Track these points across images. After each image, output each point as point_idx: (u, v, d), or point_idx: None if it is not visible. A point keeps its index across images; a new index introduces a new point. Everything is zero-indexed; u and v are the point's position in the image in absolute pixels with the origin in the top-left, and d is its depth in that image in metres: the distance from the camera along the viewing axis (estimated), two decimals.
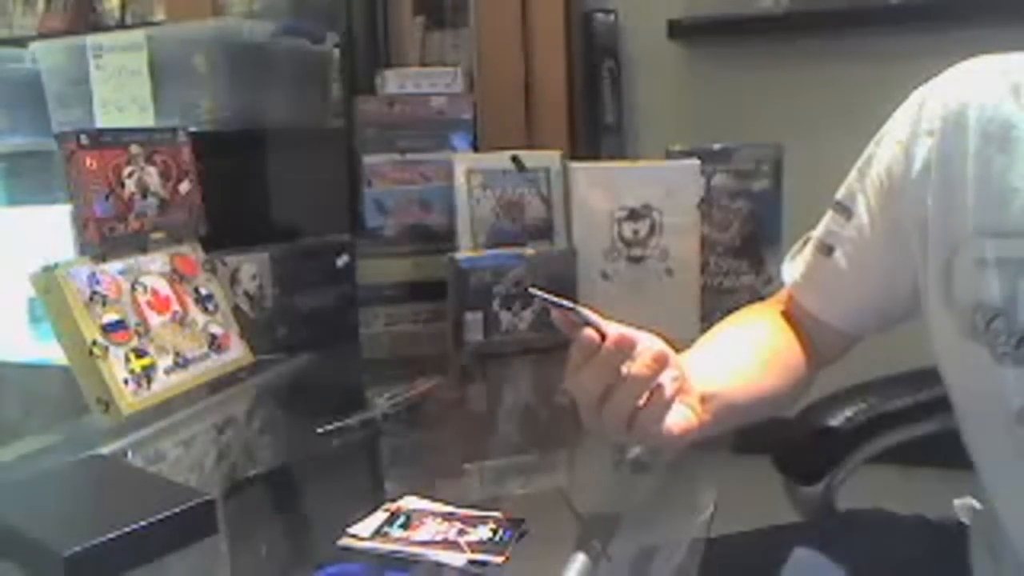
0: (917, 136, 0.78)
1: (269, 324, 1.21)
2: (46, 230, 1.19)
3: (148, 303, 1.02)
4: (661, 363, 0.67)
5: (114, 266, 1.01)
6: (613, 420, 0.68)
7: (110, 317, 0.97)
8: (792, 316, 0.91)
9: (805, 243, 0.91)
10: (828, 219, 0.87)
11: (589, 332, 0.67)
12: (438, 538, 0.67)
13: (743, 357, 0.83)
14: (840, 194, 0.87)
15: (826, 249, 0.86)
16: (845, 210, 0.85)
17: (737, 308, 0.96)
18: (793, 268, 0.91)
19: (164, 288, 1.05)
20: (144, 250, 1.06)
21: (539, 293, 0.69)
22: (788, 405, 0.89)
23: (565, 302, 0.67)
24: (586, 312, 0.67)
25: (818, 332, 0.89)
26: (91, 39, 1.36)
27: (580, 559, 0.64)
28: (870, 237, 0.83)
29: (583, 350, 0.67)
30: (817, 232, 0.89)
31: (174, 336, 1.03)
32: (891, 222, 0.81)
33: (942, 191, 0.76)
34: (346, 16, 1.96)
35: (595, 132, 2.22)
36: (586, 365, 0.67)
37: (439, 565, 0.64)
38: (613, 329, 0.67)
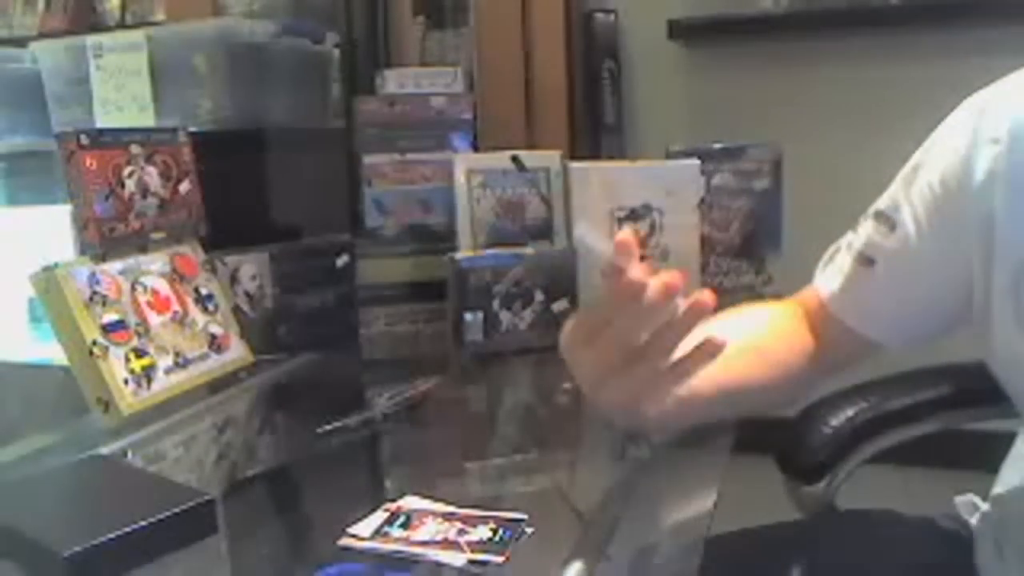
0: (979, 144, 0.74)
1: (269, 324, 1.21)
2: (46, 230, 1.19)
3: (148, 303, 1.02)
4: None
5: (114, 266, 1.01)
6: (636, 383, 0.66)
7: (110, 317, 0.97)
8: (816, 321, 0.88)
9: (837, 251, 0.88)
10: (870, 229, 0.83)
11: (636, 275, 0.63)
12: (438, 538, 0.67)
13: (733, 343, 0.81)
14: (883, 204, 0.83)
15: (867, 261, 0.83)
16: (888, 220, 0.81)
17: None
18: (829, 279, 0.87)
19: (164, 288, 1.05)
20: (144, 250, 1.06)
21: (582, 232, 0.67)
22: (781, 401, 0.88)
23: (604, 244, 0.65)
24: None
25: (846, 341, 0.86)
26: (91, 39, 1.36)
27: (577, 566, 0.64)
28: (916, 249, 0.79)
29: (622, 294, 0.63)
30: (857, 242, 0.85)
31: (174, 336, 1.03)
32: (943, 233, 0.78)
33: (1012, 201, 0.72)
34: (346, 16, 1.96)
35: (595, 132, 2.22)
36: (623, 313, 0.65)
37: (439, 565, 0.64)
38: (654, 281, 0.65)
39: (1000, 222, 0.73)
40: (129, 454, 0.92)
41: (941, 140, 0.80)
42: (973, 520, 0.91)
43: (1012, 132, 0.73)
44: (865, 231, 0.84)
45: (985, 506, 0.90)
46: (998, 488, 0.88)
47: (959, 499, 0.93)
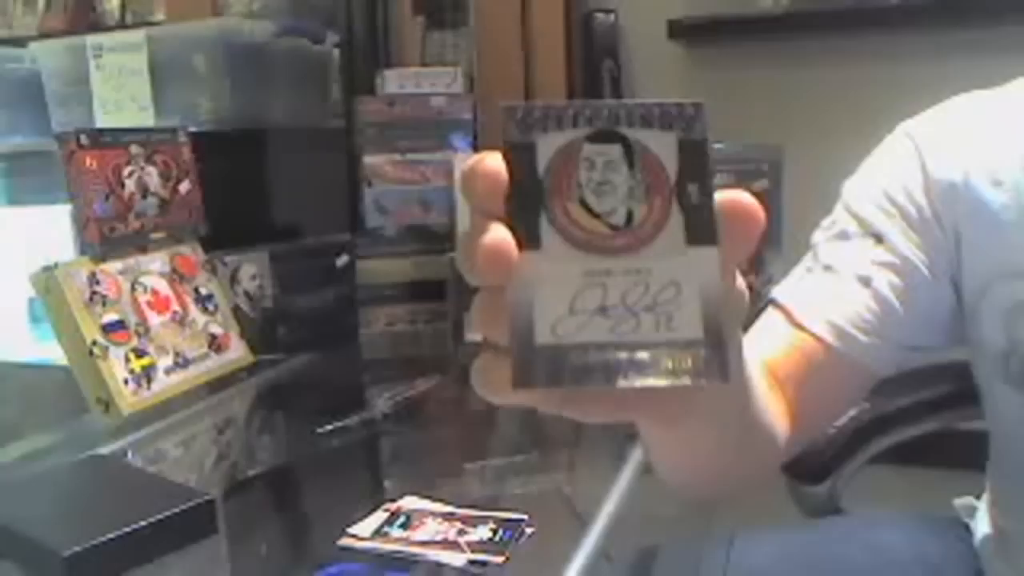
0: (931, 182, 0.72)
1: (269, 324, 1.20)
2: (46, 230, 1.19)
3: (148, 303, 1.02)
4: None
5: (114, 266, 1.01)
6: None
7: (110, 317, 0.97)
8: (812, 372, 0.72)
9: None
10: (858, 254, 0.74)
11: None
12: (438, 538, 0.67)
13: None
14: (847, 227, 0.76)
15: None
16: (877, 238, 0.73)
17: None
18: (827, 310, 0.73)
19: (164, 288, 1.05)
20: (144, 250, 1.06)
21: None
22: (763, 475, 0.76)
23: None
24: None
25: (850, 385, 0.75)
26: (91, 39, 1.36)
27: (579, 560, 0.64)
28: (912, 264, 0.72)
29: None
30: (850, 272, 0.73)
31: (174, 336, 1.03)
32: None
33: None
34: (346, 16, 1.95)
35: None
36: None
37: (439, 565, 0.64)
38: None
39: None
40: (129, 454, 0.92)
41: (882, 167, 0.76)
42: (972, 522, 0.91)
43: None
44: (852, 259, 0.73)
45: (980, 504, 0.89)
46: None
47: (958, 501, 0.93)
